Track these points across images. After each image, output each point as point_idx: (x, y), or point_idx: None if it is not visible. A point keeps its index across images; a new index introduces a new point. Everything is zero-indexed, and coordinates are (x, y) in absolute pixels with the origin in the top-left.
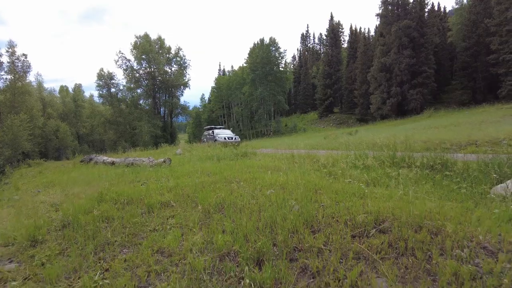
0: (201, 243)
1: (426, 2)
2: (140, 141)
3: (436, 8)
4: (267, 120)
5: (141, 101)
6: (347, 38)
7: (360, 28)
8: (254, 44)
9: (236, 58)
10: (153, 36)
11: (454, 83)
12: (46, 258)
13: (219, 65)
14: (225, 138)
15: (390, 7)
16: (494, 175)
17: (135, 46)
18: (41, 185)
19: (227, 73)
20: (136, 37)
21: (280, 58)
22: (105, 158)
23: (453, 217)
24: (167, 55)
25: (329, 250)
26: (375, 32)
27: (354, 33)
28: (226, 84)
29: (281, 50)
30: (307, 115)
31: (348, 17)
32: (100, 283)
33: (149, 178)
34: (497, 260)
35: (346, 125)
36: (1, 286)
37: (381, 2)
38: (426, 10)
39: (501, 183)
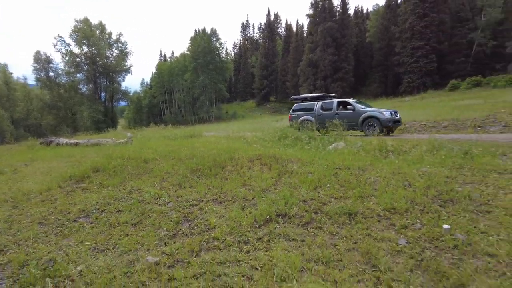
0: (183, 168)
1: (348, 7)
2: (81, 126)
3: (360, 9)
4: (208, 106)
5: (81, 86)
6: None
7: (298, 21)
8: (196, 31)
9: (177, 44)
10: (94, 21)
11: (373, 77)
12: (100, 181)
13: (160, 51)
14: (391, 114)
15: (318, 9)
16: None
17: (75, 30)
18: (21, 161)
19: (169, 59)
20: (76, 21)
21: (221, 48)
22: (66, 140)
23: (288, 154)
24: (108, 40)
25: (237, 165)
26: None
27: (289, 28)
28: (167, 70)
29: (222, 41)
30: (246, 103)
31: (288, 9)
32: (140, 183)
33: (128, 150)
34: (295, 164)
35: (279, 113)
36: (84, 192)
37: (310, 3)
38: (350, 13)
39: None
